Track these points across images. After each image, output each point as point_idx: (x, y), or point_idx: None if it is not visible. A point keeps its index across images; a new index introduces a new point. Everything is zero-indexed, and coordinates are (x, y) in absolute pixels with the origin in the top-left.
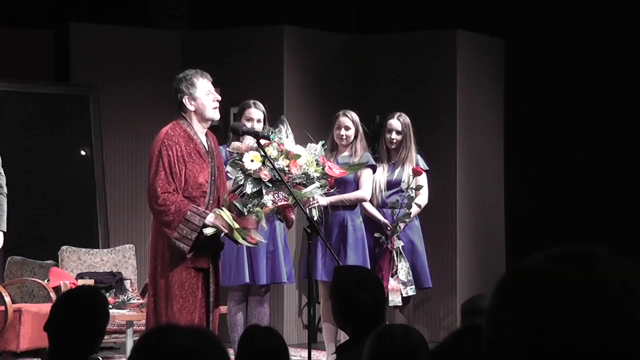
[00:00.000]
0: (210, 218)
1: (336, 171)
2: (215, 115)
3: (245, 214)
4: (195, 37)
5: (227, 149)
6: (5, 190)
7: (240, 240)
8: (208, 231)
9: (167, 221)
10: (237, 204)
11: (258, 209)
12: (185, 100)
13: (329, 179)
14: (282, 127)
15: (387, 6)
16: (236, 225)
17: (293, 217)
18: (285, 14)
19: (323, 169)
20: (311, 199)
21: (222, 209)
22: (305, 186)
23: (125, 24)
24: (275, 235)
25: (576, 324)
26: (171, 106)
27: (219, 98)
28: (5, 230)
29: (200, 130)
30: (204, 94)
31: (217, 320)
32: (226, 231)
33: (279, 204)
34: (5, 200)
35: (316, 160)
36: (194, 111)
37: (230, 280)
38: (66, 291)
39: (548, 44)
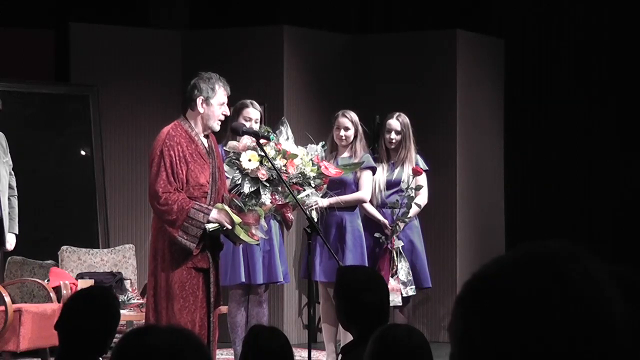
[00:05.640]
0: (213, 214)
1: (332, 171)
2: (216, 127)
3: (246, 211)
4: (195, 37)
5: (224, 148)
6: (16, 192)
7: (242, 235)
8: (210, 226)
9: (170, 220)
10: (237, 201)
11: (257, 207)
12: (199, 101)
13: (324, 179)
14: (282, 128)
15: (387, 6)
16: (239, 220)
17: (291, 216)
18: (285, 14)
19: (319, 168)
20: (310, 203)
21: (223, 205)
22: (302, 186)
23: (125, 24)
24: (271, 234)
25: (547, 330)
26: (171, 106)
27: (228, 114)
28: (17, 233)
29: (200, 132)
30: (217, 104)
31: (216, 320)
32: (229, 226)
33: (277, 203)
34: (16, 202)
35: (311, 159)
36: (201, 114)
37: (226, 280)
38: (78, 291)
39: (548, 44)
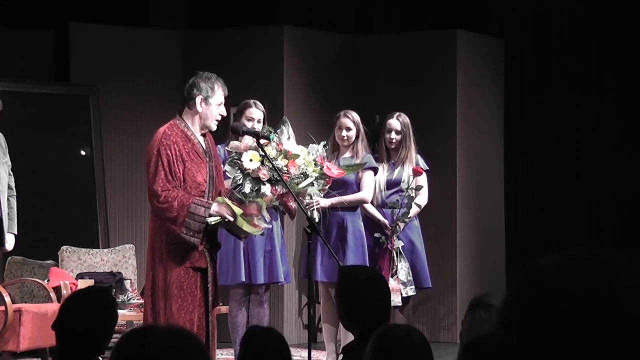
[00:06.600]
0: (214, 207)
1: (334, 171)
2: (214, 127)
3: (246, 203)
4: (195, 37)
5: (226, 148)
6: (14, 192)
7: (245, 226)
8: (211, 220)
9: (172, 217)
10: (237, 194)
11: (258, 199)
12: (198, 100)
13: (327, 179)
14: (283, 128)
15: (388, 6)
16: (240, 211)
17: (293, 205)
18: (285, 14)
19: (321, 169)
20: (311, 197)
21: (223, 198)
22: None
23: (125, 24)
24: (272, 234)
25: (587, 331)
26: (171, 106)
27: (225, 114)
28: (16, 233)
29: (197, 131)
30: (216, 104)
31: (214, 320)
32: (231, 218)
33: (277, 193)
34: (15, 202)
35: (314, 160)
36: (199, 113)
37: (227, 279)
38: (76, 291)
39: (548, 44)
